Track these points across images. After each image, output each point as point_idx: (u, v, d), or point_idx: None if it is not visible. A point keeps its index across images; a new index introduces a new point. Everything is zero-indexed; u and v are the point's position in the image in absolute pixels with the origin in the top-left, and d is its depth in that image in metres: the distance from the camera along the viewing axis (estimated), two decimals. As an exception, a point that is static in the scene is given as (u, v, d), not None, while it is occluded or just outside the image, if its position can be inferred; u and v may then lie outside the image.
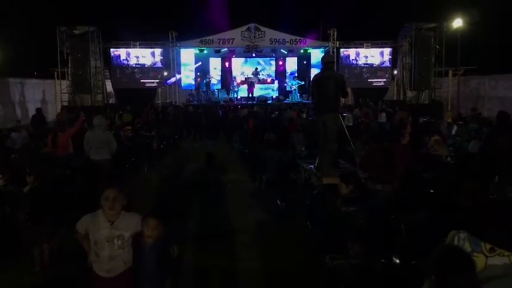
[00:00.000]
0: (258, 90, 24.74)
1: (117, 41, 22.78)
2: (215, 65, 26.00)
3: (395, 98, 23.89)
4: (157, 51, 23.16)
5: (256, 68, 25.41)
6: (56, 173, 6.78)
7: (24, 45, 24.81)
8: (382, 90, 24.53)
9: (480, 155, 6.65)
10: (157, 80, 23.34)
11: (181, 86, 24.57)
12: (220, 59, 25.79)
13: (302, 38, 23.53)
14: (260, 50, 23.73)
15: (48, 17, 22.89)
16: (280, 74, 26.50)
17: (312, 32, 24.09)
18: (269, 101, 23.40)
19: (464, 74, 23.16)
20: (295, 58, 26.29)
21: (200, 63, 24.91)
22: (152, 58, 23.19)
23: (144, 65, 23.16)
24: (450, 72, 23.45)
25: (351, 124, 13.82)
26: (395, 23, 23.52)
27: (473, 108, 15.89)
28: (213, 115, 18.49)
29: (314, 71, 23.50)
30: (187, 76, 24.88)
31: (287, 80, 26.05)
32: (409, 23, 22.18)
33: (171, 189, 9.32)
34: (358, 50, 24.02)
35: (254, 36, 22.95)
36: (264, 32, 23.04)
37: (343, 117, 12.24)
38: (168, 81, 23.77)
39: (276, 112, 16.35)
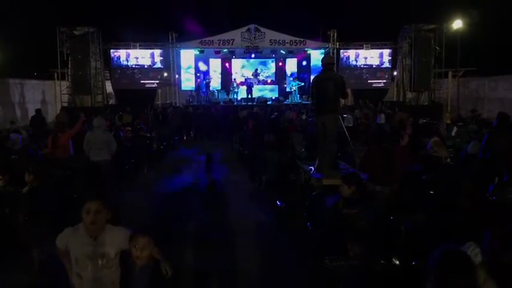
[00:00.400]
0: (257, 91, 24.75)
1: (117, 42, 22.82)
2: (215, 66, 26.01)
3: (395, 99, 23.92)
4: (157, 52, 23.18)
5: (256, 69, 25.42)
6: (56, 174, 6.76)
7: (24, 46, 24.81)
8: (382, 91, 24.56)
9: (480, 156, 6.66)
10: (157, 81, 23.36)
11: (181, 88, 24.58)
12: (220, 60, 25.80)
13: (302, 39, 23.54)
14: (260, 51, 23.76)
15: (48, 17, 22.91)
16: (280, 75, 26.52)
17: (311, 33, 24.11)
18: (269, 102, 23.40)
19: (464, 75, 23.18)
20: (295, 59, 26.32)
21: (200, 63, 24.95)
22: (152, 59, 23.21)
23: (143, 65, 23.18)
24: (450, 74, 23.47)
25: (351, 125, 13.82)
26: (395, 24, 23.57)
27: (473, 109, 15.89)
28: (212, 116, 18.49)
29: (314, 72, 23.55)
30: (188, 79, 24.88)
31: (287, 81, 26.07)
32: (409, 24, 22.23)
33: (170, 190, 9.33)
34: (358, 51, 24.06)
35: (254, 37, 22.97)
36: (264, 33, 23.06)
37: (343, 118, 12.24)
38: None
39: (276, 113, 16.35)
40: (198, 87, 24.70)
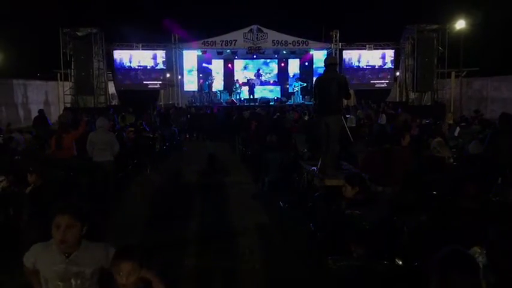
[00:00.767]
0: (260, 92, 24.76)
1: (120, 43, 22.86)
2: (217, 67, 26.03)
3: (397, 100, 23.87)
4: (160, 53, 23.21)
5: (259, 70, 25.43)
6: (59, 174, 6.79)
7: (27, 47, 24.93)
8: (385, 91, 24.51)
9: (483, 156, 6.65)
10: (160, 82, 23.38)
11: (183, 88, 24.61)
12: (222, 60, 25.81)
13: (304, 40, 23.53)
14: (262, 51, 23.74)
15: (51, 18, 23.02)
16: (283, 75, 26.51)
17: (314, 34, 24.13)
18: (271, 103, 23.40)
19: (467, 75, 23.14)
20: (298, 60, 26.30)
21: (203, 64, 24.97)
22: (154, 60, 23.24)
23: (146, 66, 23.21)
24: (453, 74, 23.44)
25: (354, 125, 13.82)
26: (398, 25, 23.55)
27: (476, 110, 15.85)
28: (215, 116, 18.51)
29: (316, 73, 23.55)
30: (190, 82, 24.91)
31: (289, 82, 26.06)
32: (412, 24, 22.18)
33: (173, 190, 9.35)
34: (360, 51, 24.02)
35: (256, 38, 22.96)
36: (267, 33, 23.04)
37: (346, 118, 12.23)
38: None
39: (278, 114, 16.35)
40: (200, 87, 24.72)
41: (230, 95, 24.69)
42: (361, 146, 8.95)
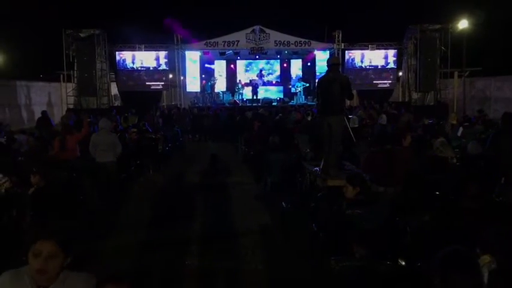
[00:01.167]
0: (262, 92, 24.76)
1: (123, 44, 22.88)
2: (220, 68, 26.03)
3: (400, 100, 23.81)
4: (162, 54, 23.23)
5: (261, 70, 25.43)
6: (62, 175, 6.81)
7: (30, 48, 25.01)
8: (387, 91, 24.45)
9: (486, 157, 6.63)
10: (163, 83, 23.40)
11: (186, 89, 24.62)
12: (225, 61, 25.82)
13: (307, 40, 23.50)
14: (265, 52, 23.72)
15: (54, 20, 23.10)
16: (285, 76, 26.50)
17: (316, 34, 24.10)
18: (274, 103, 23.40)
19: (470, 75, 23.07)
20: (300, 60, 26.29)
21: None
22: (157, 61, 23.25)
23: (149, 67, 23.24)
24: (456, 74, 23.36)
25: (356, 126, 13.83)
26: (401, 25, 23.50)
27: (479, 110, 15.80)
28: (217, 117, 18.52)
29: (319, 73, 23.53)
30: (193, 82, 24.92)
31: (292, 82, 26.05)
32: (414, 24, 22.13)
33: (176, 191, 9.36)
34: (363, 51, 23.97)
35: (259, 38, 22.94)
36: (269, 34, 23.02)
37: (349, 119, 12.22)
38: None
39: (280, 114, 16.34)
40: (203, 88, 24.73)
41: (233, 95, 24.71)
42: (363, 146, 8.95)
